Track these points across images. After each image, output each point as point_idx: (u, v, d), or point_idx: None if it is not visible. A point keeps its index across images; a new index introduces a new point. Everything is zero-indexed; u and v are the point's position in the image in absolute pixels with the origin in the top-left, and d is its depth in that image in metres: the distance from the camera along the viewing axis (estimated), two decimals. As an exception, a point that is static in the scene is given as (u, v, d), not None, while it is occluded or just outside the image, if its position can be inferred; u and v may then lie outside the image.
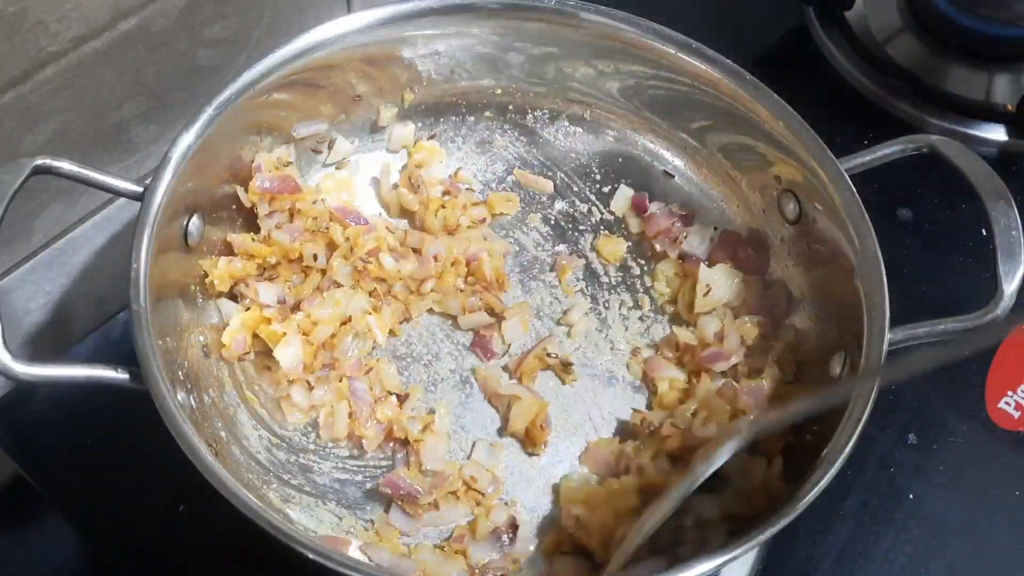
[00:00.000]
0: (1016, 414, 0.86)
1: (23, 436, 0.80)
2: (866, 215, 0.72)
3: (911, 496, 0.82)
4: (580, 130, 0.88)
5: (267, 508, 0.60)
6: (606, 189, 0.88)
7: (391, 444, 0.76)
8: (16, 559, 0.80)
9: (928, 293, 0.90)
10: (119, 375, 0.63)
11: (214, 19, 0.74)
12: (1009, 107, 0.98)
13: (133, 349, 0.85)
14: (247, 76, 0.72)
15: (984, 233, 0.92)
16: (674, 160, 0.86)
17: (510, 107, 0.87)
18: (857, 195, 0.73)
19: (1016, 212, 0.71)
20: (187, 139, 0.69)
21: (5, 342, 0.61)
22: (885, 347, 0.68)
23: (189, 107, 0.78)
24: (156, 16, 0.69)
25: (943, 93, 0.99)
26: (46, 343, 0.83)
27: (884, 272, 0.70)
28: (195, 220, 0.73)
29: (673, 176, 0.87)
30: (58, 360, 0.61)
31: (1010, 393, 0.87)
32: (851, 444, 0.63)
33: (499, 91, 0.86)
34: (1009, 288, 0.70)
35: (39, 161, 0.65)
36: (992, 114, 0.97)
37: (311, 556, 0.58)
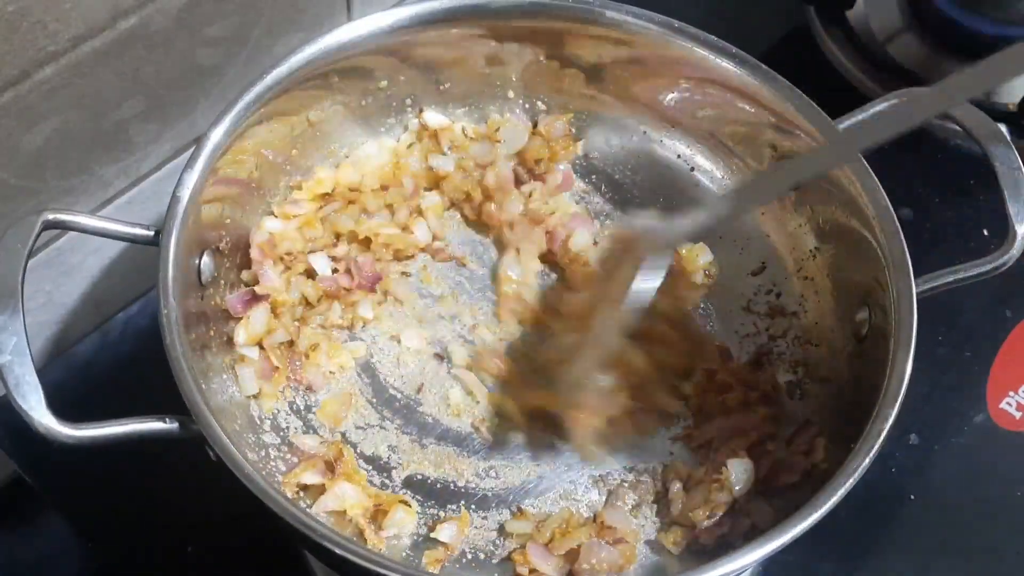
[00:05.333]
0: (1018, 415, 0.86)
1: (23, 436, 0.79)
2: (870, 171, 0.73)
3: (912, 496, 0.82)
4: (586, 115, 0.87)
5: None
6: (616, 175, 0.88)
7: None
8: (16, 559, 0.80)
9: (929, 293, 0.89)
10: (168, 425, 0.62)
11: (213, 18, 0.73)
12: (1011, 106, 0.98)
13: (132, 350, 0.86)
14: (247, 97, 0.71)
15: (986, 233, 0.93)
16: (665, 135, 0.86)
17: (523, 95, 0.87)
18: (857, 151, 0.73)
19: (1016, 153, 0.72)
20: (193, 176, 0.68)
21: (48, 405, 0.60)
22: (914, 298, 0.68)
23: (189, 106, 0.78)
24: (155, 15, 0.69)
25: (945, 92, 0.98)
26: (45, 343, 0.83)
27: (898, 224, 0.71)
28: (206, 258, 0.72)
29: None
30: (101, 420, 0.61)
31: (1012, 393, 0.87)
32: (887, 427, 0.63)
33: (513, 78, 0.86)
34: (1021, 228, 0.70)
35: (49, 216, 0.64)
36: (994, 114, 0.96)
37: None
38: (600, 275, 0.77)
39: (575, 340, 0.75)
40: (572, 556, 0.70)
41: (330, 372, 0.78)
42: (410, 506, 0.73)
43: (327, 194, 0.81)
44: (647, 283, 0.69)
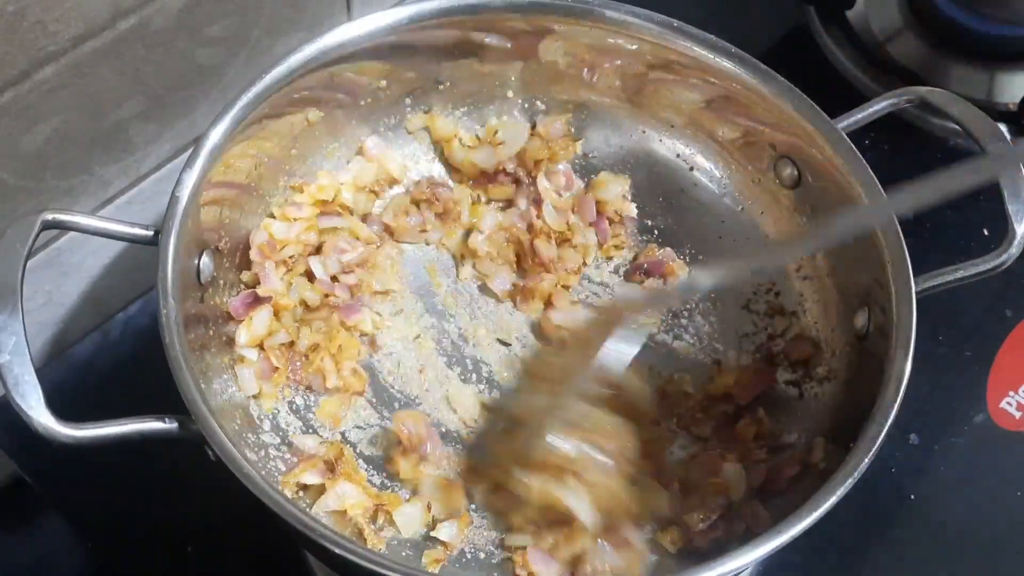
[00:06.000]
0: (1018, 414, 0.86)
1: (23, 436, 0.79)
2: (869, 170, 0.73)
3: (912, 496, 0.82)
4: (585, 114, 0.87)
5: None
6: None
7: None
8: (16, 559, 0.80)
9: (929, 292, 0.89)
10: (167, 425, 0.62)
11: (213, 18, 0.73)
12: (1011, 106, 0.98)
13: (132, 351, 0.86)
14: (247, 97, 0.71)
15: (986, 233, 0.93)
16: (665, 134, 0.86)
17: (522, 94, 0.87)
18: (857, 152, 0.73)
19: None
20: (192, 176, 0.68)
21: (48, 405, 0.60)
22: (913, 297, 0.68)
23: (189, 106, 0.78)
24: (155, 15, 0.69)
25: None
26: (45, 343, 0.83)
27: (897, 224, 0.70)
28: (205, 258, 0.72)
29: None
30: (100, 420, 0.61)
31: (1012, 393, 0.87)
32: (886, 430, 0.63)
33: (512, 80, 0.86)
34: (1020, 227, 0.70)
35: (48, 216, 0.64)
36: (994, 113, 0.97)
37: None
38: (578, 338, 0.77)
39: (544, 401, 0.73)
40: (574, 561, 0.70)
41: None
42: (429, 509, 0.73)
43: (328, 200, 0.81)
44: (625, 347, 0.70)
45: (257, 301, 0.75)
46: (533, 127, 0.87)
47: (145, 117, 0.75)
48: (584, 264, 0.85)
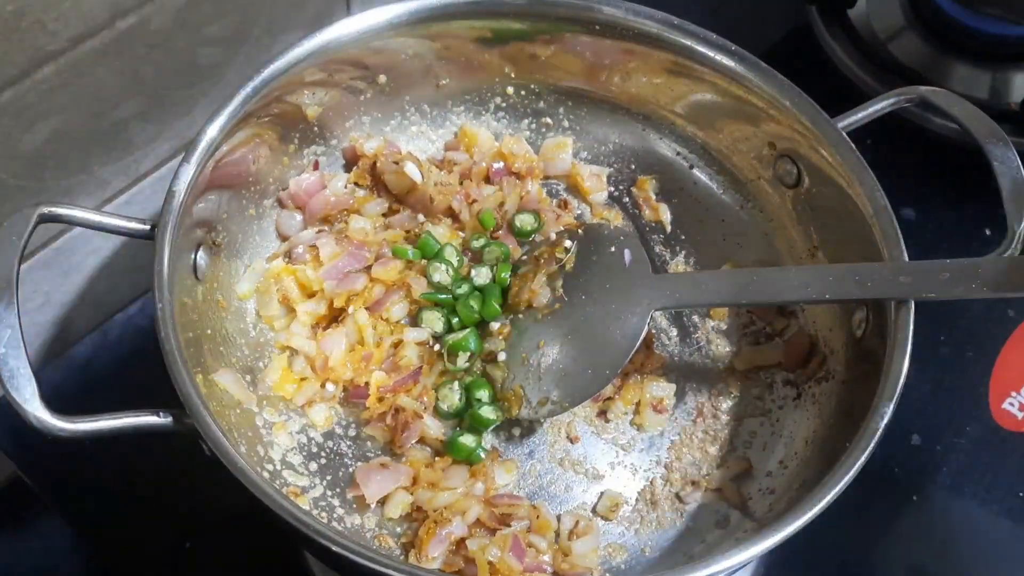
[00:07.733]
0: (1020, 415, 0.86)
1: (22, 436, 0.79)
2: (869, 169, 0.73)
3: (914, 497, 0.82)
4: (585, 112, 0.87)
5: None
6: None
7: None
8: (16, 559, 0.80)
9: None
10: (162, 420, 0.62)
11: (213, 17, 0.73)
12: (1013, 105, 0.98)
13: (132, 351, 0.85)
14: (244, 91, 0.71)
15: (988, 232, 0.93)
16: (665, 132, 0.86)
17: (522, 91, 0.87)
18: (856, 151, 0.73)
19: (1015, 152, 0.72)
20: (189, 170, 0.68)
21: (43, 399, 0.60)
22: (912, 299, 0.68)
23: (188, 106, 0.78)
24: (155, 14, 0.69)
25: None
26: (44, 344, 0.83)
27: (897, 223, 0.70)
28: (201, 253, 0.72)
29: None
30: (96, 414, 0.61)
31: (1014, 394, 0.86)
32: (879, 434, 0.63)
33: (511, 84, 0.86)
34: (1019, 227, 0.70)
35: (44, 210, 0.64)
36: (995, 113, 0.96)
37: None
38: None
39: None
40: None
41: None
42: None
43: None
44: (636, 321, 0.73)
45: None
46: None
47: (144, 117, 0.75)
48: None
